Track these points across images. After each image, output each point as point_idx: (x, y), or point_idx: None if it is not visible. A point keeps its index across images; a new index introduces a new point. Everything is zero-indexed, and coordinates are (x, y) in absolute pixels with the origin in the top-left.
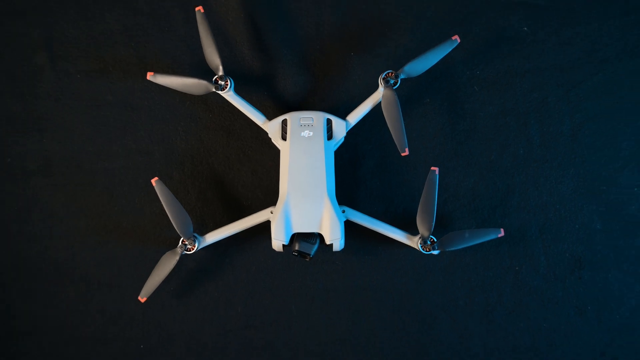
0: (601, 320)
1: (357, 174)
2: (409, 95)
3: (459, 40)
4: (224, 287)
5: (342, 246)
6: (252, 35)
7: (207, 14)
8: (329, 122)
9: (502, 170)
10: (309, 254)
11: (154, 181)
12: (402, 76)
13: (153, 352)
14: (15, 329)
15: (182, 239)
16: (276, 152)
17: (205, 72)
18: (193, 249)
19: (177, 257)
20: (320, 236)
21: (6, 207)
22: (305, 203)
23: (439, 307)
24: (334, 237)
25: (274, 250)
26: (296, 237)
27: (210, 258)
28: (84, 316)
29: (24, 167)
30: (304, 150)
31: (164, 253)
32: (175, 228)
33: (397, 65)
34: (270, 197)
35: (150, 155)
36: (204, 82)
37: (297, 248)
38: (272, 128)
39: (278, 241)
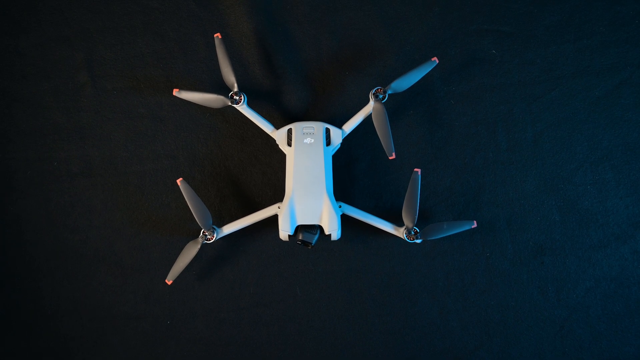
0: (560, 299)
1: (352, 174)
2: (395, 107)
3: (437, 61)
4: (238, 272)
5: (339, 236)
6: (262, 57)
7: (224, 40)
8: (327, 130)
9: (474, 171)
10: (310, 243)
11: (179, 181)
12: (389, 92)
13: (178, 326)
14: (60, 308)
15: (202, 230)
16: (282, 156)
17: (222, 89)
18: (212, 239)
19: (199, 246)
20: (320, 227)
21: (53, 203)
22: (308, 199)
23: (422, 287)
24: (332, 228)
25: (281, 240)
26: (300, 229)
27: (226, 247)
28: (118, 296)
29: (69, 169)
30: (306, 155)
31: (187, 243)
32: (197, 221)
33: (385, 83)
34: (277, 194)
35: (176, 159)
36: (221, 97)
37: (300, 238)
38: (279, 136)
39: (284, 232)
